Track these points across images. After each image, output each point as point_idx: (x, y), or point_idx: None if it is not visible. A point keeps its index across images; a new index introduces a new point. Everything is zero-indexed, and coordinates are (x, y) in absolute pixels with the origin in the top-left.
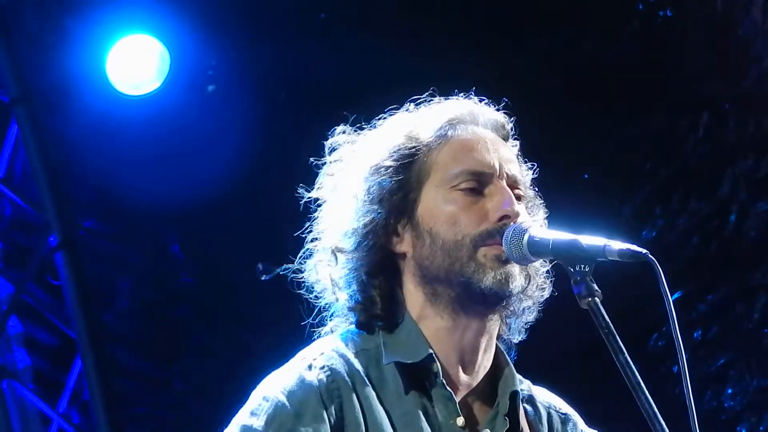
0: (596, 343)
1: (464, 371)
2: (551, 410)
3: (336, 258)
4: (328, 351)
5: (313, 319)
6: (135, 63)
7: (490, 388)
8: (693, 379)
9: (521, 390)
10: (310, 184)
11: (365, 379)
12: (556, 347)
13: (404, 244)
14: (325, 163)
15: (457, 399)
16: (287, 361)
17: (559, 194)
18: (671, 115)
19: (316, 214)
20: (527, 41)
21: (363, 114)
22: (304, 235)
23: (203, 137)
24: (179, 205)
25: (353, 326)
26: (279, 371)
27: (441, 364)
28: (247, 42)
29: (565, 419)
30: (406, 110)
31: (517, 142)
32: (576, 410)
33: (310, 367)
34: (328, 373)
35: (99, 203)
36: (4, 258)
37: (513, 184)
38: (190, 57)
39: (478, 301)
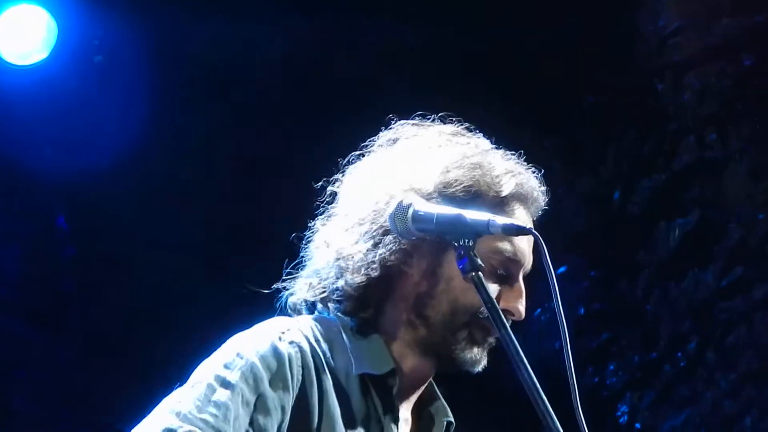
0: None
1: (408, 393)
2: None
3: (375, 239)
4: (294, 329)
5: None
6: (22, 33)
7: (417, 413)
8: (575, 355)
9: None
10: (196, 156)
11: (325, 366)
12: None
13: (415, 268)
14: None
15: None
16: (169, 334)
17: None
18: (556, 89)
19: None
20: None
21: (249, 89)
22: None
23: (90, 108)
24: (65, 176)
25: (307, 313)
26: (250, 333)
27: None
28: (135, 12)
29: None
30: (455, 123)
31: None
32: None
33: (280, 338)
34: (296, 349)
35: None
36: None
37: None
38: (76, 27)
39: (443, 359)
